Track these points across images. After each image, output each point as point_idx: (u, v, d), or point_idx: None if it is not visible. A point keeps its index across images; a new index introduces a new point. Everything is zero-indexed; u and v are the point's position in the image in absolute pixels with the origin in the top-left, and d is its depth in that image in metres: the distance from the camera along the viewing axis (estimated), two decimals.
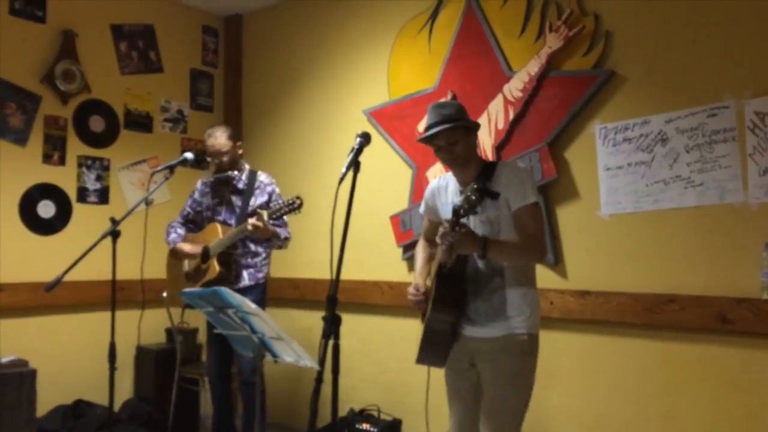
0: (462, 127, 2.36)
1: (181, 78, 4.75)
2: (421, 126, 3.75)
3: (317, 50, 4.45)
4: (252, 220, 3.16)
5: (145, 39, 4.53)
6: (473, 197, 2.08)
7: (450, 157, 2.38)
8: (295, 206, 3.06)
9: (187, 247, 3.52)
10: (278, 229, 3.42)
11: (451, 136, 2.34)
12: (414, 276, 2.62)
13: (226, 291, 2.24)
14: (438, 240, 2.25)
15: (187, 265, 3.57)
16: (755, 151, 2.74)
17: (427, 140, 2.40)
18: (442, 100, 3.52)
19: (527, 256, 2.38)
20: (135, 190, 4.40)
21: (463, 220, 2.19)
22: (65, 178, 4.11)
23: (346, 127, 4.20)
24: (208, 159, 3.58)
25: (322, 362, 1.97)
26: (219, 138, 3.48)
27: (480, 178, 2.33)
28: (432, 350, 2.45)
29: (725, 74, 2.82)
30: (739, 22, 2.80)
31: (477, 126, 2.46)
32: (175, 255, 3.62)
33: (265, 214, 3.12)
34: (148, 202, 3.23)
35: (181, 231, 3.64)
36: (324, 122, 4.39)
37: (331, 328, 2.00)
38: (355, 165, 2.17)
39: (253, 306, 2.23)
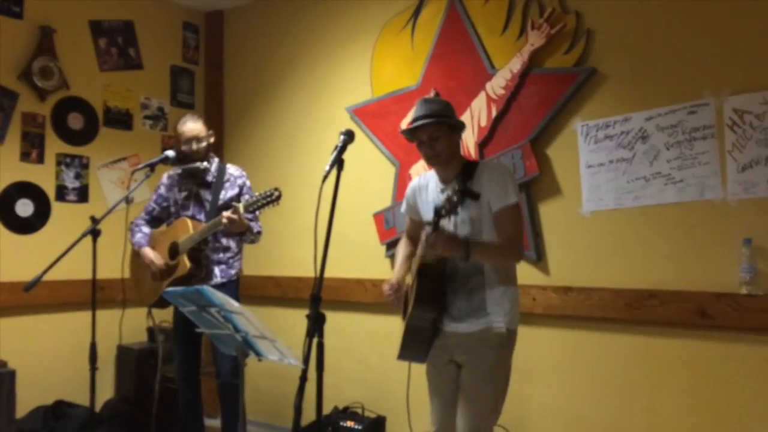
0: (446, 124, 2.37)
1: (161, 75, 4.70)
2: (405, 122, 3.76)
3: (300, 47, 4.43)
4: (227, 213, 3.03)
5: (124, 35, 4.47)
6: (454, 198, 2.11)
7: (431, 153, 2.39)
8: (272, 198, 2.92)
9: (151, 254, 3.32)
10: (251, 223, 3.28)
11: (433, 132, 2.35)
12: (393, 272, 2.63)
13: (209, 290, 2.23)
14: (424, 243, 2.27)
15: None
16: (734, 148, 2.77)
17: (410, 134, 2.41)
18: (430, 95, 3.53)
19: (507, 256, 2.42)
20: (115, 189, 4.35)
21: (445, 220, 2.21)
22: (44, 177, 4.05)
23: (329, 125, 4.19)
24: (183, 148, 3.35)
25: (306, 360, 1.97)
26: (197, 123, 3.34)
27: (461, 178, 2.34)
28: (413, 346, 2.47)
29: (705, 72, 2.85)
30: (719, 20, 2.83)
31: (462, 125, 2.47)
32: (139, 256, 3.43)
33: (241, 206, 3.00)
34: (128, 201, 3.19)
35: (146, 230, 3.44)
36: (307, 120, 4.37)
37: (315, 326, 2.00)
38: (338, 163, 2.16)
39: (236, 304, 2.22)
